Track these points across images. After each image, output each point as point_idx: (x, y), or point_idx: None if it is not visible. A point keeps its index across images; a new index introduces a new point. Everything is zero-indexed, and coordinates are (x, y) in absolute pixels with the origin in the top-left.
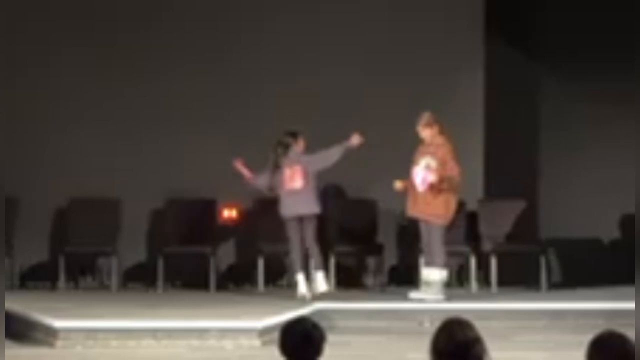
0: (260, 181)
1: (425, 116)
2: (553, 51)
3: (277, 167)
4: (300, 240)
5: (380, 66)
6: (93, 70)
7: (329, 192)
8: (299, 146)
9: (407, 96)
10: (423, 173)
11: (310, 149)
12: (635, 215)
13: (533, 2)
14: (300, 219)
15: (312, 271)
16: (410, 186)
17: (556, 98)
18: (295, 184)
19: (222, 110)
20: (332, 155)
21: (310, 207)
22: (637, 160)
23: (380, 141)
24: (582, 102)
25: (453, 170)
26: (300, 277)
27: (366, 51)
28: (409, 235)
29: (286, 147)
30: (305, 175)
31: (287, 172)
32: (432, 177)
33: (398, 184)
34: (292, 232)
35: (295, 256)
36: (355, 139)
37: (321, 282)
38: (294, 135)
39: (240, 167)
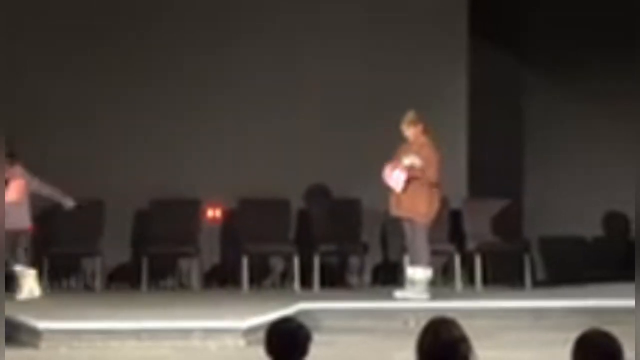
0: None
1: (410, 114)
2: (538, 50)
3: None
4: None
5: (365, 66)
6: (92, 70)
7: (313, 191)
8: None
9: (391, 95)
10: (395, 176)
11: (295, 149)
12: (635, 214)
13: (518, 1)
14: (17, 232)
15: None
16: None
17: (541, 97)
18: (13, 197)
19: (213, 110)
20: (46, 190)
21: (28, 221)
22: (637, 160)
23: (365, 141)
24: (566, 101)
25: (433, 177)
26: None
27: (352, 51)
28: (393, 234)
29: (12, 157)
30: (25, 190)
31: (11, 184)
32: (404, 175)
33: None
34: (10, 242)
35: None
36: (68, 203)
37: (36, 285)
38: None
39: None
